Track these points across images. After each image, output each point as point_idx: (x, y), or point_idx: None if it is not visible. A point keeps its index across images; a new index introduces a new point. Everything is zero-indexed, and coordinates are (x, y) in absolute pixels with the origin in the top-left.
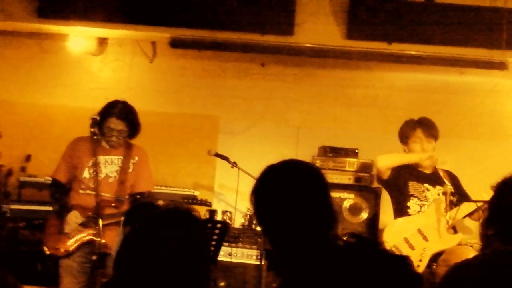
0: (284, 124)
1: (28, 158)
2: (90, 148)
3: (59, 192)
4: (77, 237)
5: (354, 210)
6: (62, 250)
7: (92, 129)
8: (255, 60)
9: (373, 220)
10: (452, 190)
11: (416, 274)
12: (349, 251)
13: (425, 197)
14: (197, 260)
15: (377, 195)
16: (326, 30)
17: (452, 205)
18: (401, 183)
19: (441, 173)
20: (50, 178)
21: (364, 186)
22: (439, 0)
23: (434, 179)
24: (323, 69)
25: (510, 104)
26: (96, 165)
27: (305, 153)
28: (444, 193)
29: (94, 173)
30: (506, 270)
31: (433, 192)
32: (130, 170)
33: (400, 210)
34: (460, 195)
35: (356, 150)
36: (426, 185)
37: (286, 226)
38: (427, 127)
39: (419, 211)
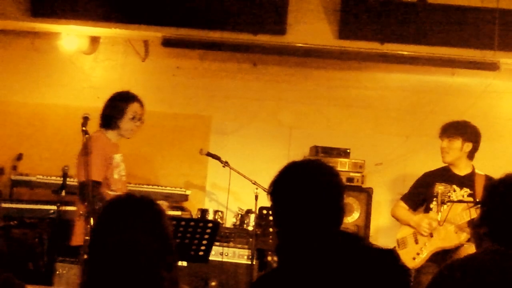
0: (276, 124)
1: (19, 156)
2: (113, 146)
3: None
4: None
5: (346, 210)
6: None
7: (84, 128)
8: (247, 60)
9: (365, 220)
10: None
11: (402, 266)
12: (337, 246)
13: (449, 197)
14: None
15: (369, 195)
16: (318, 30)
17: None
18: (429, 188)
19: (478, 177)
20: (42, 177)
21: (356, 186)
22: (432, 0)
23: (464, 181)
24: (316, 69)
25: (502, 105)
26: (118, 165)
27: (297, 153)
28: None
29: (120, 173)
30: (496, 269)
31: (459, 194)
32: None
33: (425, 211)
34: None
35: (348, 150)
36: (454, 186)
37: (297, 222)
38: (443, 129)
39: (438, 211)
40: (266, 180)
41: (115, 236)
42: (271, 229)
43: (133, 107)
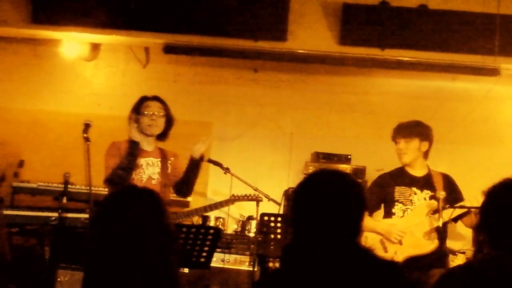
0: (277, 130)
1: (21, 163)
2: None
3: None
4: None
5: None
6: None
7: (85, 135)
8: (248, 66)
9: None
10: (444, 196)
11: (408, 281)
12: (344, 256)
13: (411, 201)
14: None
15: None
16: (319, 36)
17: (443, 210)
18: (388, 190)
19: (435, 177)
20: (43, 184)
21: None
22: (432, 6)
23: (423, 182)
24: (316, 75)
25: (503, 110)
26: (137, 167)
27: (298, 159)
28: (438, 199)
29: (139, 174)
30: (494, 276)
31: (420, 196)
32: (169, 170)
33: (387, 215)
34: (453, 198)
35: (349, 156)
36: (414, 188)
37: (313, 228)
38: (397, 131)
39: (401, 216)
40: (268, 186)
41: (115, 223)
42: (272, 236)
43: (145, 104)
